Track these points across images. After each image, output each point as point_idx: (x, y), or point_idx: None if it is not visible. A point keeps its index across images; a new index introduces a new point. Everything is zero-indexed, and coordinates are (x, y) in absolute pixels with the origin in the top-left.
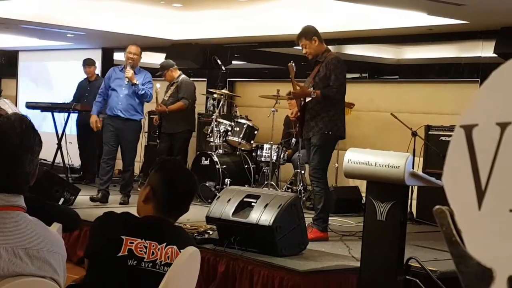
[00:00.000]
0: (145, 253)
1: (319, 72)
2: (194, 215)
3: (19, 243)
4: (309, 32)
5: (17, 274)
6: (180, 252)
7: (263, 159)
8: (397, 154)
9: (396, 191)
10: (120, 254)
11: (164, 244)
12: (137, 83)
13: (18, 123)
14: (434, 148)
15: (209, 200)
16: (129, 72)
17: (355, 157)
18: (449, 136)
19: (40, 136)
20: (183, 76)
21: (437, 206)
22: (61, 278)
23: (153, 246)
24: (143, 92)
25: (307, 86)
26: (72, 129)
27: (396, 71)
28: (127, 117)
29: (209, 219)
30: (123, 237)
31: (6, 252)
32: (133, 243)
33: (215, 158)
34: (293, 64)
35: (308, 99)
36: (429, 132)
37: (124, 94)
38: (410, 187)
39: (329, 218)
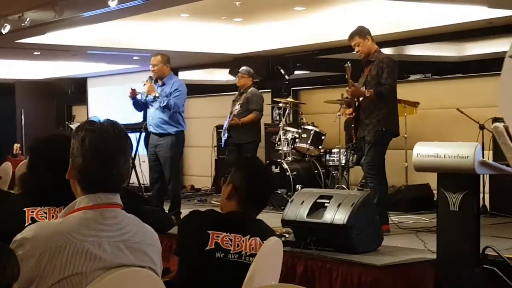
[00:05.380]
0: (231, 245)
1: (371, 71)
2: (268, 222)
3: (120, 237)
4: (362, 31)
5: (120, 265)
6: (263, 243)
7: (332, 163)
8: (466, 144)
9: (467, 181)
10: (208, 248)
11: (248, 236)
12: (157, 95)
13: (111, 128)
14: None
15: (282, 207)
16: (146, 86)
17: (423, 151)
18: None
19: (131, 139)
20: (253, 88)
21: (495, 124)
22: (158, 268)
23: (238, 238)
24: (164, 103)
25: (360, 85)
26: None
27: (459, 68)
28: (159, 131)
29: (285, 222)
30: (209, 231)
31: (109, 245)
32: (219, 236)
33: (285, 166)
34: (350, 65)
35: (361, 99)
36: None
37: (154, 109)
38: (482, 179)
39: (403, 216)
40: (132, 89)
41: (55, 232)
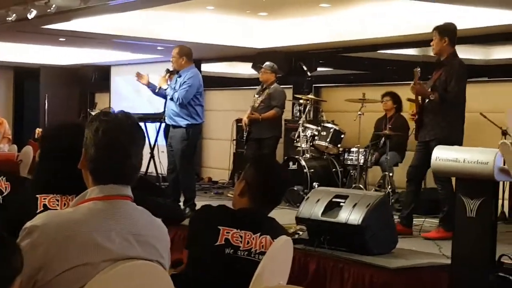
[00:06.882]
0: (241, 242)
1: (441, 76)
2: (283, 218)
3: (129, 230)
4: (444, 30)
5: (128, 257)
6: (273, 241)
7: (350, 162)
8: (486, 150)
9: (486, 187)
10: (217, 243)
11: (259, 234)
12: (165, 87)
13: (125, 119)
14: None
15: (298, 204)
16: (160, 77)
17: (443, 155)
18: None
19: (144, 131)
20: (276, 84)
21: (502, 140)
22: (166, 262)
23: (248, 235)
24: (170, 96)
25: (428, 88)
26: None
27: (485, 72)
28: (172, 123)
29: (299, 220)
30: (219, 227)
31: (117, 237)
32: (229, 233)
33: (303, 162)
34: (419, 70)
35: (427, 101)
36: None
37: (169, 100)
38: (502, 185)
39: (420, 219)
40: (137, 73)
41: (64, 221)
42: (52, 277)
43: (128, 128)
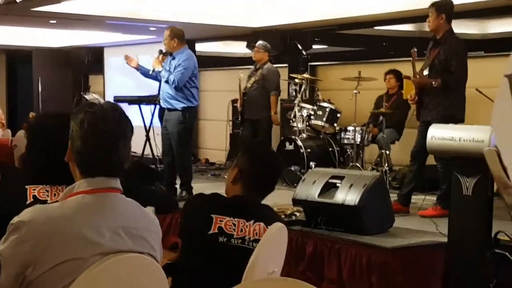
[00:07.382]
0: (234, 230)
1: (439, 54)
2: (281, 199)
3: (119, 223)
4: (441, 7)
5: (118, 251)
6: (267, 228)
7: (347, 141)
8: (481, 128)
9: (482, 165)
10: (211, 232)
11: (252, 221)
12: (160, 69)
13: (111, 111)
14: None
15: (295, 184)
16: (153, 59)
17: (438, 133)
18: None
19: (131, 122)
20: (269, 64)
21: (487, 148)
22: (158, 254)
23: (242, 223)
24: (165, 78)
25: (425, 67)
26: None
27: (481, 46)
28: (167, 106)
29: (296, 201)
30: (212, 215)
31: (107, 231)
32: (222, 221)
33: (299, 143)
34: (415, 50)
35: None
36: None
37: (164, 83)
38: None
39: (418, 197)
40: (125, 56)
41: (52, 216)
42: (42, 272)
43: (114, 119)
